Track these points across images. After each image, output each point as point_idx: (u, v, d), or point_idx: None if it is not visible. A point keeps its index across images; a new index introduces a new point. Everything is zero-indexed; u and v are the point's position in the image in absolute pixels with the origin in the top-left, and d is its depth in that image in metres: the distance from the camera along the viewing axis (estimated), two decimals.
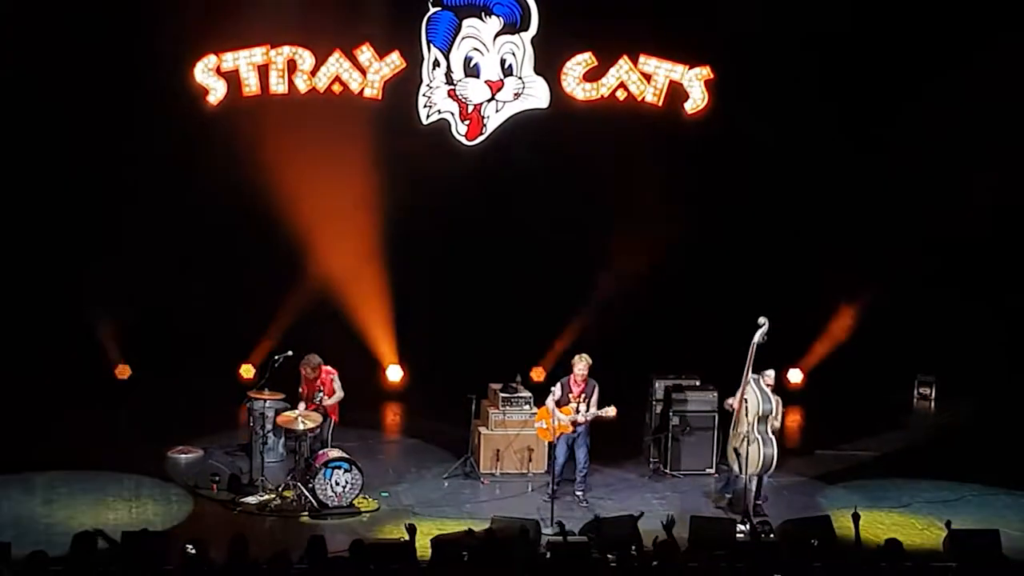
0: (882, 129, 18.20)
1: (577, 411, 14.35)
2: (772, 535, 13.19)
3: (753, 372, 14.11)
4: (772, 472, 14.26)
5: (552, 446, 14.51)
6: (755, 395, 14.04)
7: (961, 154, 18.01)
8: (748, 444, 13.96)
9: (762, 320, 13.95)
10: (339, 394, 14.59)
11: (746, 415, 14.04)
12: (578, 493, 14.57)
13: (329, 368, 14.59)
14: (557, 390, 14.52)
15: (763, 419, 14.02)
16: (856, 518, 11.30)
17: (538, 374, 17.96)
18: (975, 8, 17.83)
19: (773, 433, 14.12)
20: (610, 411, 14.35)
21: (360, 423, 16.25)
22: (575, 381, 14.46)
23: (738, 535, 12.95)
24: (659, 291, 18.28)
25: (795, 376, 18.66)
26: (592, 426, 14.50)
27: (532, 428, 14.98)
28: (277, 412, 14.78)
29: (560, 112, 18.01)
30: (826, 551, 11.58)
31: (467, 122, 17.88)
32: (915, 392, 19.16)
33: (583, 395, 14.41)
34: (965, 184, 17.81)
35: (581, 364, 14.43)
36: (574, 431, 14.41)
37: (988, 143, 17.90)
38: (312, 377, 14.50)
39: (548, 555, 11.21)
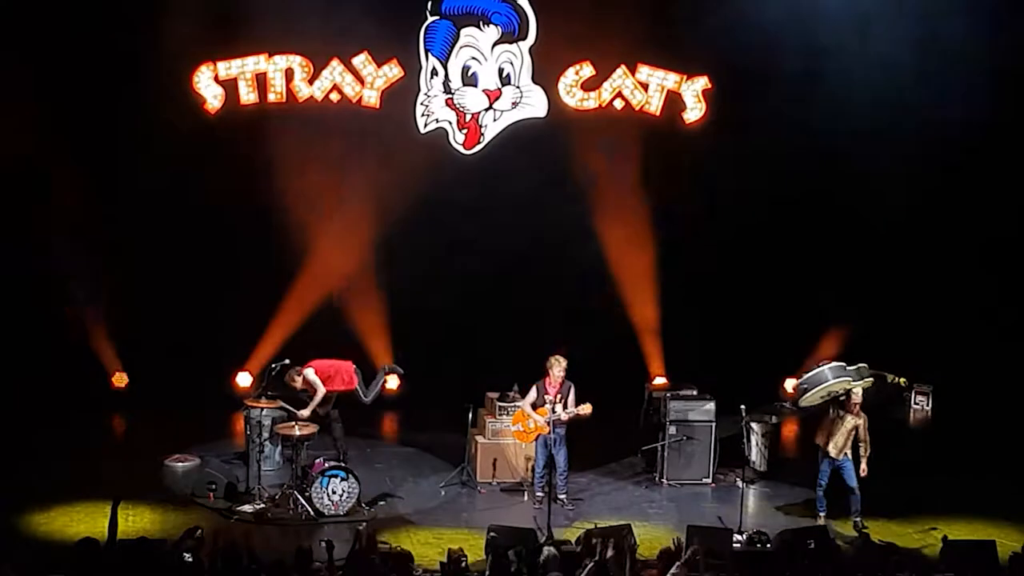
0: (882, 133, 18.29)
1: (553, 411, 14.39)
2: (769, 545, 13.21)
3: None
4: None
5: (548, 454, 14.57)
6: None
7: (959, 155, 18.10)
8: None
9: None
10: (320, 391, 14.73)
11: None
12: (561, 496, 14.59)
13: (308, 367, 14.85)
14: (532, 393, 14.62)
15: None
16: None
17: None
18: None
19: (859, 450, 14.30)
20: (586, 408, 14.39)
21: (356, 432, 16.23)
22: (551, 383, 14.51)
23: (735, 545, 12.96)
24: (658, 299, 18.28)
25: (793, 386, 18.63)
26: (588, 434, 14.48)
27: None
28: (274, 421, 14.80)
29: (558, 121, 18.03)
30: (822, 559, 11.59)
31: (465, 131, 17.90)
32: (912, 402, 19.19)
33: (559, 396, 14.46)
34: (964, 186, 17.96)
35: (558, 368, 14.46)
36: (551, 432, 14.43)
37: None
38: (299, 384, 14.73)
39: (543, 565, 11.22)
